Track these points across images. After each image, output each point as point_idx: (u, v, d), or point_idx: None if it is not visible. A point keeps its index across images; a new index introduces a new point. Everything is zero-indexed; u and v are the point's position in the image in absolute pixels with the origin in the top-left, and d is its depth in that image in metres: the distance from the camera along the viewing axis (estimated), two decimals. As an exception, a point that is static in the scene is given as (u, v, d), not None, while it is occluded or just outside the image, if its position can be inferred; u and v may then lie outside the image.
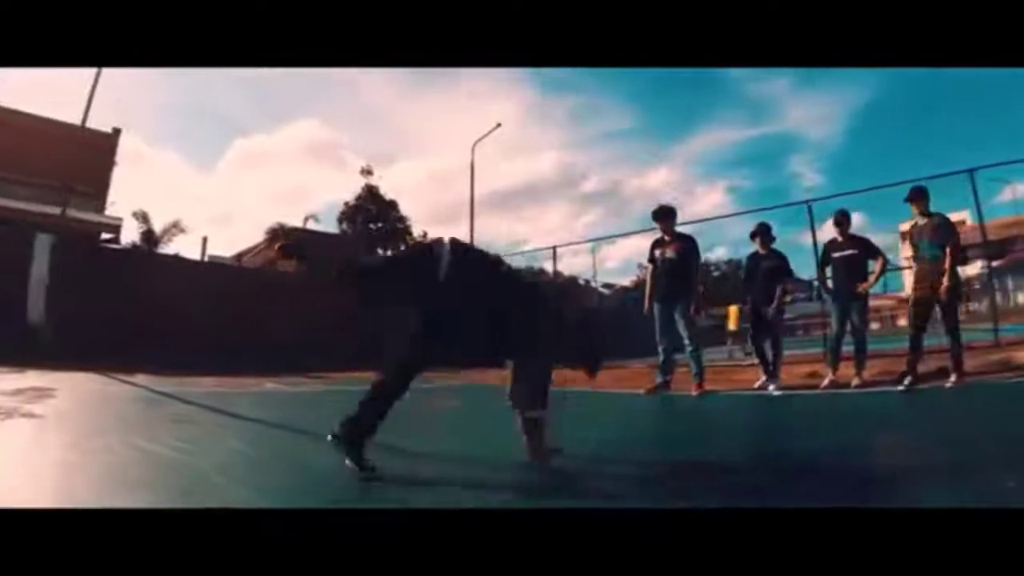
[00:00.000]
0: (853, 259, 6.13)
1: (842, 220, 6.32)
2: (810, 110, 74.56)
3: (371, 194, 32.58)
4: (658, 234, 6.59)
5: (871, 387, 5.61)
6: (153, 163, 49.98)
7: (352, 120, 70.27)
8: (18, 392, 4.57)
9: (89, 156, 13.10)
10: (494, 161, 76.23)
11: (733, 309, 15.11)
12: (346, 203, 32.05)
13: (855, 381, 5.76)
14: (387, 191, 33.46)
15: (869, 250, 6.19)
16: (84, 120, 11.28)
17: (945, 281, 5.26)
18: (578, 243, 23.11)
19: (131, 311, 10.32)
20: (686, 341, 6.23)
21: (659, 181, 74.38)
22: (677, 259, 6.30)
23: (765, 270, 6.38)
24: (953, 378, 5.20)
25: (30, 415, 3.66)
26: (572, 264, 57.07)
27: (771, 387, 5.99)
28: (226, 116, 65.17)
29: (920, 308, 5.49)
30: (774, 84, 67.26)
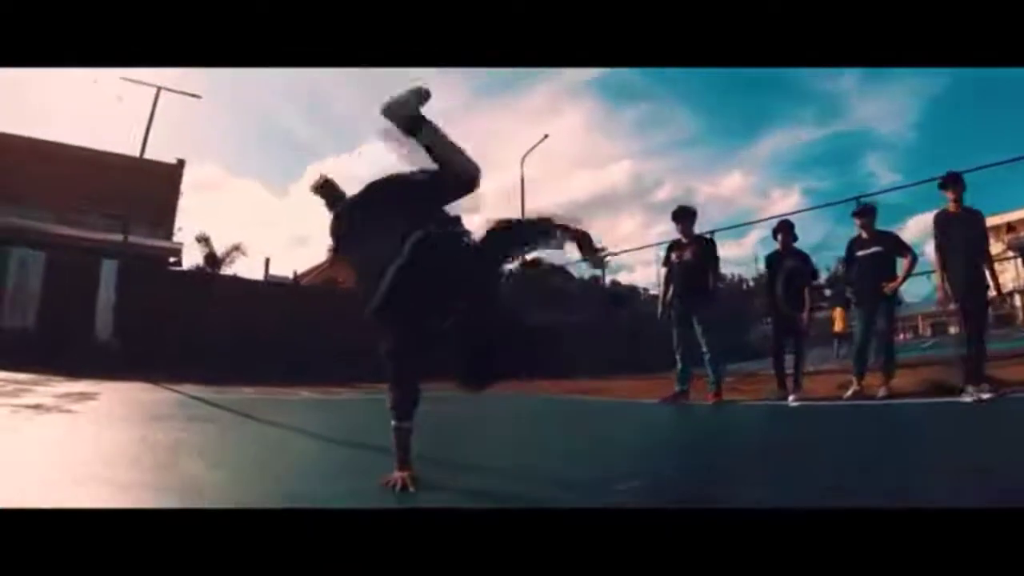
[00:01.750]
0: (878, 257, 5.64)
1: (865, 214, 5.85)
2: (880, 106, 71.32)
3: None
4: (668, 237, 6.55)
5: (899, 398, 5.12)
6: (230, 189, 52.92)
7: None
8: (66, 394, 5.02)
9: (154, 186, 14.13)
10: (566, 172, 76.18)
11: (839, 311, 14.48)
12: None
13: (881, 391, 5.30)
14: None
15: (896, 247, 5.71)
16: (142, 151, 12.23)
17: (993, 283, 5.02)
18: (624, 252, 22.43)
19: (190, 328, 11.02)
20: (704, 349, 6.00)
21: (733, 186, 72.44)
22: (694, 262, 6.11)
23: (787, 271, 6.01)
24: (975, 391, 4.62)
25: (67, 411, 4.04)
26: (643, 273, 56.62)
27: (790, 398, 5.66)
28: (299, 141, 68.08)
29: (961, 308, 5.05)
30: (841, 81, 64.92)
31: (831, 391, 5.98)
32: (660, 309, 6.42)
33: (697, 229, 6.57)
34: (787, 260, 6.09)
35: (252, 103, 60.77)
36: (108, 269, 11.03)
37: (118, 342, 10.63)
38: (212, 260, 20.49)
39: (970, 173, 6.70)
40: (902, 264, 5.72)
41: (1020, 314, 28.14)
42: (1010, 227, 31.04)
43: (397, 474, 2.03)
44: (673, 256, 6.34)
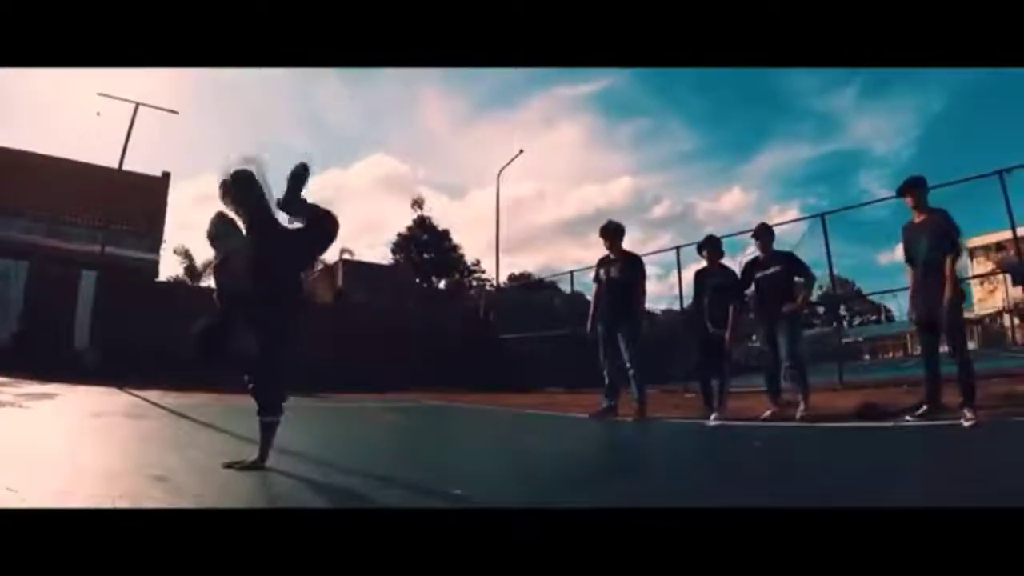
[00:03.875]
0: (777, 278, 5.55)
1: (761, 235, 5.73)
2: (876, 124, 71.68)
3: (423, 225, 33.68)
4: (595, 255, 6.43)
5: (819, 422, 4.97)
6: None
7: (412, 152, 72.53)
8: (27, 394, 5.46)
9: (138, 198, 14.55)
10: (562, 188, 76.48)
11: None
12: (399, 234, 33.24)
13: (799, 413, 5.20)
14: (445, 222, 34.32)
15: (794, 267, 5.66)
16: (121, 162, 12.60)
17: (947, 293, 4.36)
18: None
19: (163, 338, 11.36)
20: (627, 364, 6.03)
21: (732, 202, 72.46)
22: (621, 279, 6.18)
23: (713, 287, 5.88)
24: (967, 414, 4.15)
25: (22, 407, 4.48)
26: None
27: (712, 416, 5.49)
28: (298, 154, 68.31)
29: (923, 326, 4.70)
30: (838, 98, 65.31)
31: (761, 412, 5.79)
32: (588, 323, 6.50)
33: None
34: (713, 277, 6.01)
35: (245, 112, 61.16)
36: (87, 280, 11.45)
37: (95, 351, 11.02)
38: (192, 272, 21.11)
39: (959, 190, 7.10)
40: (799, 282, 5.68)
41: (1009, 334, 27.88)
42: (999, 246, 31.12)
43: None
44: (601, 272, 6.41)
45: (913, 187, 4.68)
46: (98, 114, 22.98)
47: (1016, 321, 29.26)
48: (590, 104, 72.14)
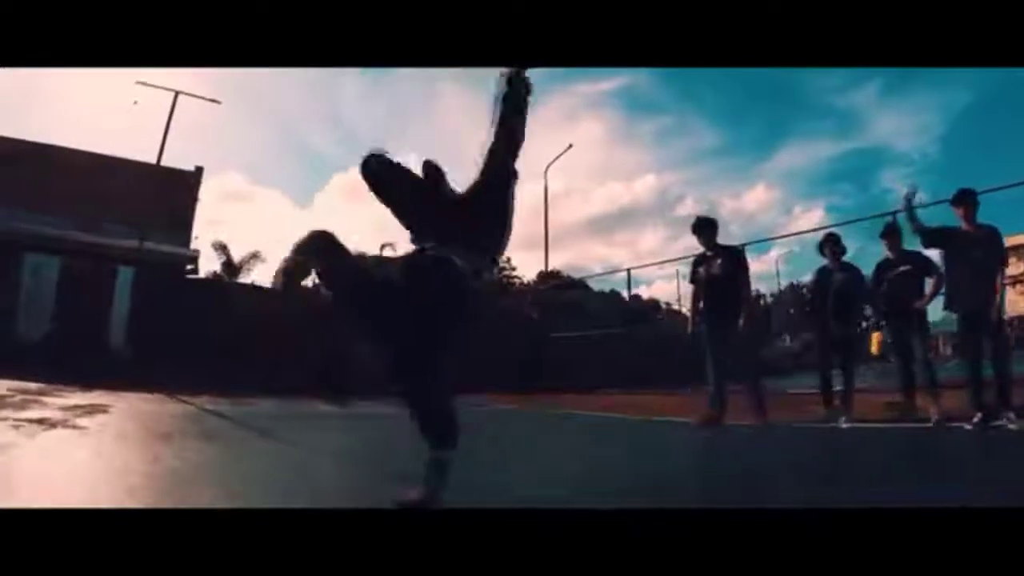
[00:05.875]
0: (907, 277, 5.44)
1: (890, 235, 5.63)
2: (901, 121, 70.36)
3: None
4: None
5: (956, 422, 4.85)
6: (251, 199, 53.32)
7: (433, 151, 72.40)
8: (74, 408, 4.86)
9: (171, 193, 14.11)
10: (585, 186, 75.96)
11: (876, 334, 13.97)
12: None
13: (933, 414, 5.01)
14: None
15: (925, 267, 5.47)
16: (159, 158, 12.19)
17: (996, 300, 4.71)
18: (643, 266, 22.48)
19: (206, 337, 10.90)
20: (741, 367, 5.73)
21: (755, 201, 71.64)
22: (723, 275, 5.73)
23: (837, 285, 5.67)
24: (1012, 416, 4.46)
25: (75, 427, 3.86)
26: (663, 289, 56.23)
27: (841, 419, 5.32)
28: (321, 153, 68.34)
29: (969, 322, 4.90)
30: (861, 95, 64.12)
31: (876, 412, 5.74)
32: (689, 326, 6.12)
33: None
34: (837, 274, 5.75)
35: (273, 112, 61.17)
36: (124, 276, 10.98)
37: (131, 350, 10.56)
38: (229, 268, 20.58)
39: (990, 192, 6.84)
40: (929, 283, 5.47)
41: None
42: None
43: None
44: (700, 271, 5.98)
45: (969, 200, 4.99)
46: (136, 103, 22.66)
47: None
48: (611, 101, 71.51)
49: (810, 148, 74.12)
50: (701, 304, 5.98)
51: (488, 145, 2.14)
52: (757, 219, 71.76)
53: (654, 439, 5.38)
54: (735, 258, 5.95)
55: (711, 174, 78.74)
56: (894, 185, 57.97)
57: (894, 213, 6.72)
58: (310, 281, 2.16)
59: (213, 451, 3.46)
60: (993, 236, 4.96)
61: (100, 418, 4.40)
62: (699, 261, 6.08)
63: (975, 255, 4.80)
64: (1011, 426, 4.39)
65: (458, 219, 2.14)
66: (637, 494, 2.41)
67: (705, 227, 6.01)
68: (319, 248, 2.11)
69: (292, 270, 2.11)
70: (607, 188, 73.37)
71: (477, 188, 2.15)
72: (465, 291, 2.09)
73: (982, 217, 4.98)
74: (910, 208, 5.18)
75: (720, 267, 5.81)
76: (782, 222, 73.52)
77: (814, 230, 12.60)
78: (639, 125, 73.36)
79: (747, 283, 5.96)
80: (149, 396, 6.75)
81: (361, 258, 2.17)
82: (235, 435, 4.41)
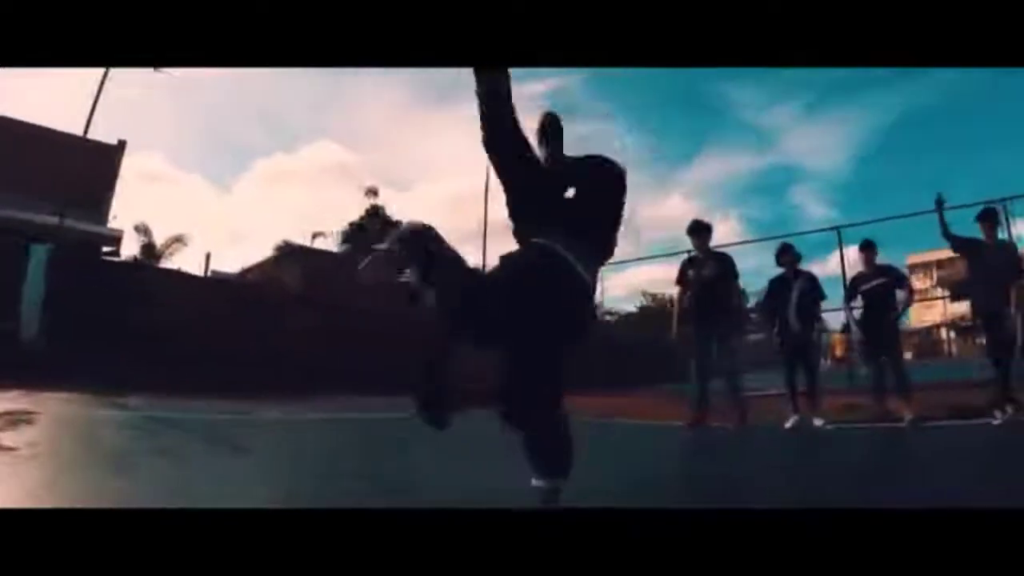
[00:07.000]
0: (882, 289, 5.96)
1: (867, 249, 6.14)
2: (813, 140, 74.63)
3: (376, 214, 32.21)
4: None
5: (931, 421, 5.36)
6: (173, 181, 49.85)
7: (370, 141, 70.04)
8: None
9: (91, 167, 12.76)
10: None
11: (838, 336, 14.72)
12: (350, 223, 31.53)
13: (907, 415, 5.39)
14: (401, 212, 33.14)
15: (899, 280, 6.09)
16: (86, 131, 10.96)
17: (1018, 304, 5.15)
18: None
19: (127, 326, 9.89)
20: (725, 371, 5.85)
21: (672, 209, 73.68)
22: (713, 278, 5.84)
23: (799, 292, 6.03)
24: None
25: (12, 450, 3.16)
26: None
27: (818, 421, 5.65)
28: (244, 137, 64.93)
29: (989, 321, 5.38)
30: (778, 113, 67.39)
31: (840, 413, 6.17)
32: (674, 327, 6.22)
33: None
34: (797, 281, 6.10)
35: (197, 91, 57.43)
36: (36, 257, 9.74)
37: (44, 340, 9.40)
38: (151, 252, 19.02)
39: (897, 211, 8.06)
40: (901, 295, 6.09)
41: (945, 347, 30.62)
42: (939, 264, 33.34)
43: None
44: (690, 273, 6.08)
45: (991, 217, 5.49)
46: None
47: (952, 335, 32.18)
48: (539, 104, 71.37)
49: (728, 161, 77.17)
50: (687, 305, 6.09)
51: None
52: (671, 225, 74.20)
53: (619, 442, 5.41)
54: (726, 264, 6.02)
55: (630, 181, 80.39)
56: (804, 200, 61.45)
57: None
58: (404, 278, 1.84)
59: (181, 473, 2.92)
60: (1011, 249, 5.56)
61: (27, 433, 3.69)
62: (689, 263, 6.21)
63: (995, 265, 5.29)
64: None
65: (579, 211, 1.86)
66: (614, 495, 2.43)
67: (701, 230, 6.08)
68: (423, 239, 1.80)
69: (385, 262, 1.82)
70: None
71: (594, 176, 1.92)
72: (588, 302, 1.86)
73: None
74: (941, 214, 5.50)
75: (711, 270, 5.91)
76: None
77: (740, 243, 13.32)
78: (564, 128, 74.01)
79: (736, 289, 6.08)
80: (73, 397, 5.92)
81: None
82: (196, 449, 3.82)
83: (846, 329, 8.44)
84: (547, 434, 1.78)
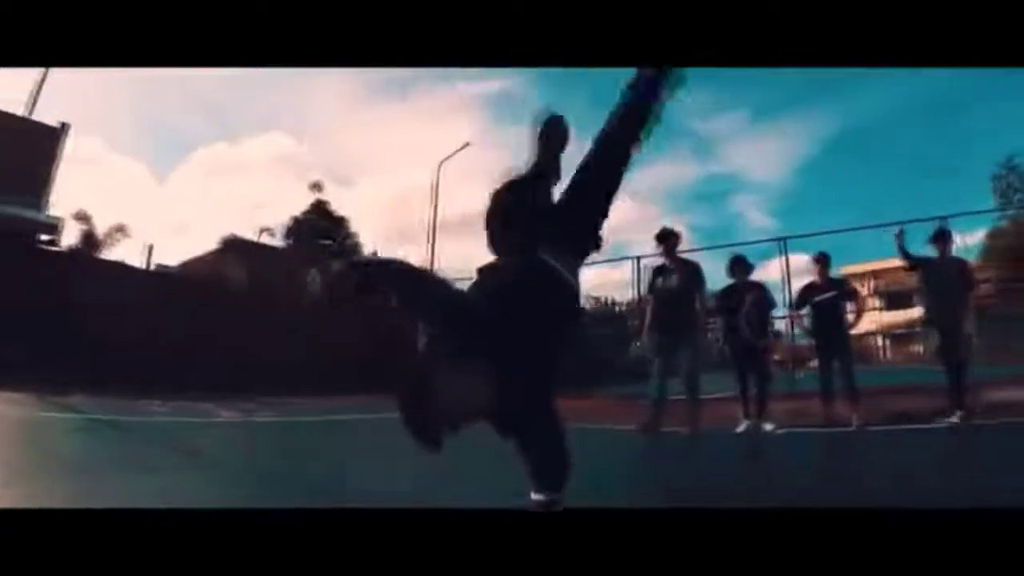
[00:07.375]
0: (833, 302, 6.12)
1: (822, 261, 6.29)
2: (756, 152, 77.08)
3: (320, 210, 31.45)
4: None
5: (876, 426, 5.47)
6: (110, 167, 47.37)
7: (317, 135, 68.17)
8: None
9: (30, 150, 12.03)
10: (449, 184, 75.39)
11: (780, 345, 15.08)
12: (293, 218, 30.69)
13: (855, 421, 5.50)
14: (347, 208, 32.52)
15: (850, 293, 6.36)
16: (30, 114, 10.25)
17: (968, 316, 5.48)
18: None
19: (64, 318, 9.37)
20: (687, 377, 5.73)
21: (622, 214, 74.83)
22: (679, 288, 5.80)
23: (752, 301, 6.10)
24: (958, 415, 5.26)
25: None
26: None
27: (767, 425, 5.71)
28: (187, 126, 62.29)
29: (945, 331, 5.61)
30: (722, 124, 69.37)
31: (786, 419, 6.15)
32: (644, 336, 6.17)
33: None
34: (749, 292, 6.19)
35: (135, 75, 54.80)
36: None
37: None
38: (91, 241, 18.04)
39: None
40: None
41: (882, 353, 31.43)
42: (875, 274, 34.53)
43: None
44: (658, 281, 6.03)
45: (944, 238, 5.81)
46: None
47: (888, 342, 33.39)
48: (485, 103, 71.51)
49: (673, 168, 78.90)
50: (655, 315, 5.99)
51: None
52: (619, 231, 75.42)
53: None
54: (693, 272, 5.97)
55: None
56: (746, 209, 63.42)
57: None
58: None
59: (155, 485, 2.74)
60: (962, 267, 5.80)
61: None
62: (659, 271, 6.10)
63: (948, 282, 5.57)
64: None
65: (567, 217, 1.86)
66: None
67: (669, 237, 6.04)
68: (381, 261, 1.74)
69: (338, 285, 1.73)
70: (469, 188, 73.92)
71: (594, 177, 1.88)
72: (580, 310, 1.86)
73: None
74: (901, 244, 5.85)
75: (678, 279, 5.87)
76: (643, 238, 77.93)
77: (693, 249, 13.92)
78: (505, 129, 73.90)
79: (703, 297, 6.03)
80: (13, 397, 5.56)
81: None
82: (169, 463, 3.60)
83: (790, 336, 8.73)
84: (548, 446, 1.74)
